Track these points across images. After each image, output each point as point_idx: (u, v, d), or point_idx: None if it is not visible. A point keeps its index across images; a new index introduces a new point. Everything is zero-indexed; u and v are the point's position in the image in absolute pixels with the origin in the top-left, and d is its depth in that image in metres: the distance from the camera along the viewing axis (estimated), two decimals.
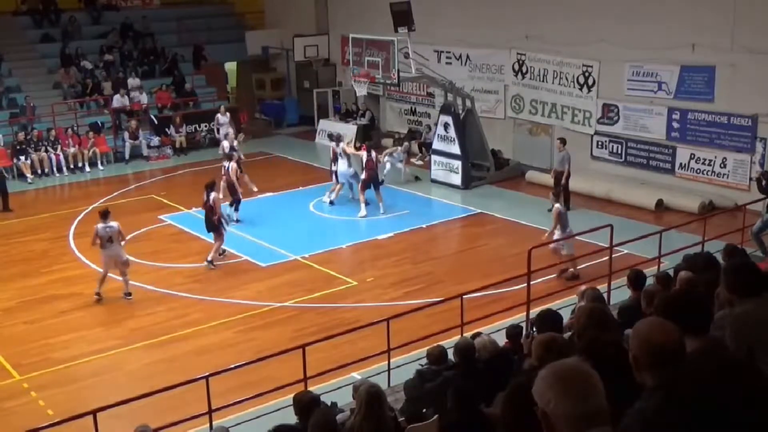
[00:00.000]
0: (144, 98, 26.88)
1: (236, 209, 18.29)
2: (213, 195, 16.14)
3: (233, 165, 18.51)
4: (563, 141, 19.04)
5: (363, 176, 18.88)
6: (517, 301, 12.27)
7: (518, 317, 11.65)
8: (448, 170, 21.55)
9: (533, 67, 22.50)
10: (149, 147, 25.67)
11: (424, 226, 18.48)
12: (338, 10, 28.68)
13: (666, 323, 3.33)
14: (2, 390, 11.67)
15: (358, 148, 20.52)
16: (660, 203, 18.85)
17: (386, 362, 10.65)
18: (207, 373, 9.34)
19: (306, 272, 15.88)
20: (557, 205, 14.76)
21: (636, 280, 8.78)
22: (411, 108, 26.93)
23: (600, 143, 21.07)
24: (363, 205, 18.89)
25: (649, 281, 8.93)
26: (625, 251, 14.10)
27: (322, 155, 25.76)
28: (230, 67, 32.19)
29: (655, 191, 19.16)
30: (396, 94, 26.77)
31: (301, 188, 21.38)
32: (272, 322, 13.72)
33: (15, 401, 11.38)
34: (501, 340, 8.90)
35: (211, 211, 16.05)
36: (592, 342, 4.02)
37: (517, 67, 22.98)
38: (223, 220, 16.21)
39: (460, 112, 21.67)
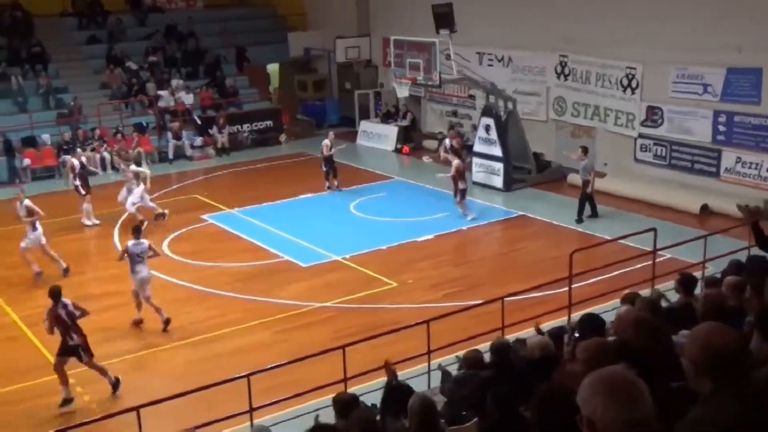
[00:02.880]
0: (189, 99, 27.18)
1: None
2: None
3: None
4: (585, 149, 18.75)
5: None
6: (558, 305, 12.17)
7: (559, 321, 11.56)
8: (489, 172, 21.47)
9: (576, 69, 22.33)
10: (192, 147, 25.96)
11: (464, 228, 18.43)
12: (380, 11, 28.73)
13: (725, 328, 3.27)
14: (49, 384, 11.87)
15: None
16: (704, 207, 18.59)
17: (426, 364, 10.63)
18: (247, 372, 9.41)
19: (346, 273, 15.93)
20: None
21: (687, 284, 8.65)
22: (452, 110, 26.88)
23: (644, 146, 20.82)
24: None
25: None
26: (669, 256, 13.93)
27: (364, 156, 25.87)
28: (272, 68, 32.41)
29: (699, 195, 18.89)
30: (437, 95, 26.74)
31: (342, 189, 21.44)
32: (312, 322, 13.78)
33: (61, 395, 11.56)
34: None
35: None
36: (640, 350, 3.96)
37: (559, 68, 22.81)
38: None
39: (502, 114, 21.57)
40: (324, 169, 21.21)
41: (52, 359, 12.58)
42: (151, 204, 19.23)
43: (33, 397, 11.57)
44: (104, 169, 24.35)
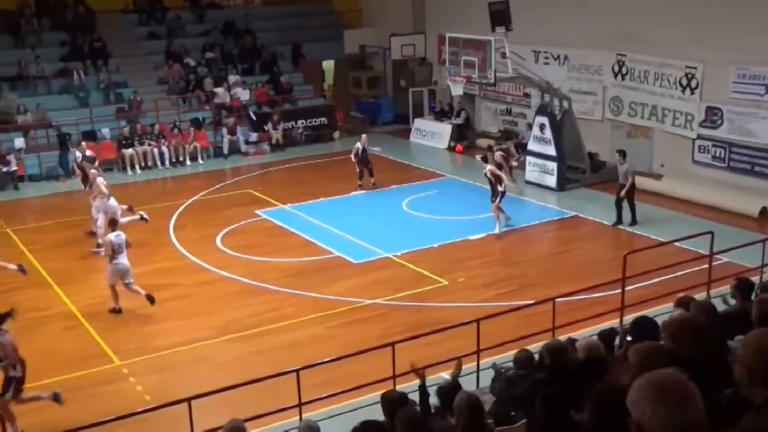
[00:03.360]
0: (245, 95, 27.47)
1: None
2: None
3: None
4: (623, 153, 18.34)
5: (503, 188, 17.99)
6: (610, 307, 12.03)
7: (611, 323, 11.41)
8: (542, 172, 21.30)
9: (633, 68, 22.01)
10: (247, 143, 26.23)
11: (517, 227, 18.31)
12: (435, 9, 28.67)
13: None
14: (103, 374, 12.14)
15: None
16: (764, 211, 18.19)
17: (475, 363, 10.60)
18: (297, 367, 9.49)
19: (397, 270, 15.95)
20: None
21: (743, 288, 8.47)
22: (507, 108, 26.72)
23: (702, 147, 20.43)
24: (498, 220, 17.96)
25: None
26: (726, 259, 13.67)
27: (417, 153, 25.88)
28: (327, 65, 32.58)
29: (759, 198, 18.49)
30: (492, 93, 26.60)
31: (395, 186, 21.46)
32: (362, 319, 13.84)
33: (114, 385, 11.81)
34: None
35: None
36: (691, 355, 3.89)
37: (617, 68, 22.52)
38: None
39: (557, 113, 21.38)
40: (357, 169, 21.16)
41: (108, 349, 12.87)
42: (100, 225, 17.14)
43: (90, 385, 11.82)
44: (162, 163, 24.73)
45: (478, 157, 18.83)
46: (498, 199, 17.79)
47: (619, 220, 18.16)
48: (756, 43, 18.53)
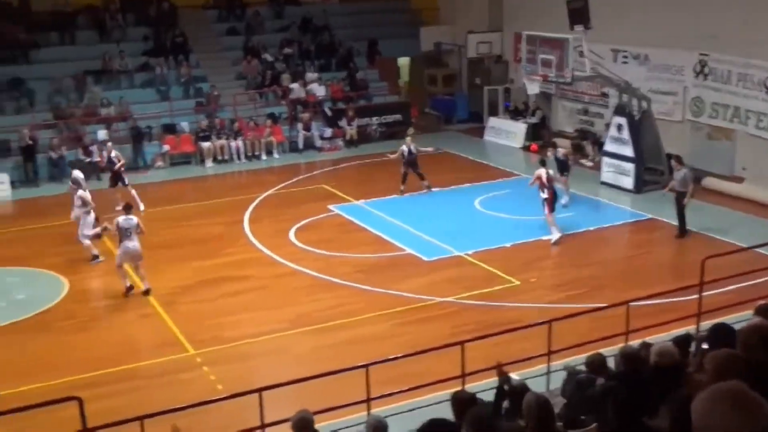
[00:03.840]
0: (321, 91, 27.71)
1: None
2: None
3: None
4: (679, 159, 17.58)
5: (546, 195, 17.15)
6: (686, 313, 11.77)
7: (686, 329, 11.17)
8: (619, 173, 20.94)
9: (716, 69, 21.45)
10: (322, 138, 26.47)
11: (591, 228, 18.06)
12: (513, 6, 28.44)
13: None
14: (178, 362, 12.41)
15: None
16: None
17: (546, 365, 10.50)
18: (367, 362, 9.54)
19: (469, 269, 15.90)
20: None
21: None
22: (583, 108, 26.34)
23: None
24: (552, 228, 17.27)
25: None
26: None
27: (491, 152, 25.74)
28: (403, 62, 32.62)
29: None
30: (569, 93, 26.27)
31: (468, 185, 21.37)
32: (432, 316, 13.83)
33: (189, 374, 12.07)
34: None
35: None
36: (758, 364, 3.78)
37: (698, 68, 21.98)
38: None
39: (636, 113, 20.99)
40: (402, 171, 20.51)
41: (182, 338, 13.16)
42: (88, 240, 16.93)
43: (164, 373, 12.10)
44: (239, 158, 25.15)
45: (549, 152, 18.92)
46: (548, 210, 17.06)
47: (683, 232, 17.41)
48: None
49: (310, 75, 28.16)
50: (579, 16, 20.30)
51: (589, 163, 23.08)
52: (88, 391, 10.13)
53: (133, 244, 14.82)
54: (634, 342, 9.62)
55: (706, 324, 9.56)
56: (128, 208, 15.15)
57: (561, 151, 19.38)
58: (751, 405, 2.58)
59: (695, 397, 2.69)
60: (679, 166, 17.45)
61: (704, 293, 11.61)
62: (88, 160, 23.36)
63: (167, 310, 14.30)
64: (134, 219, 14.93)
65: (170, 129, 25.51)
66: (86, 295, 15.45)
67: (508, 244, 16.97)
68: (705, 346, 6.22)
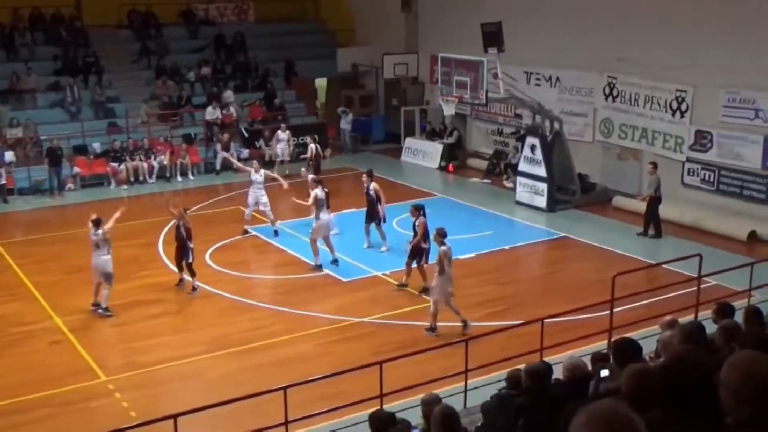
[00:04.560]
0: (237, 111, 27.51)
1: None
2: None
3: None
4: (655, 165, 18.79)
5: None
6: (599, 328, 12.04)
7: (600, 345, 11.43)
8: (533, 192, 21.37)
9: (624, 91, 22.14)
10: (239, 159, 26.21)
11: (507, 247, 18.36)
12: (428, 29, 28.83)
13: (763, 355, 3.20)
14: (88, 390, 12.06)
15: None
16: (753, 234, 18.29)
17: (463, 383, 10.59)
18: (285, 384, 9.46)
19: (387, 289, 15.94)
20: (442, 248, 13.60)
21: (723, 313, 8.49)
22: (498, 129, 26.82)
23: (691, 170, 20.54)
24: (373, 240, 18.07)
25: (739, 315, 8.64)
26: (714, 282, 13.72)
27: (408, 173, 25.93)
28: (320, 83, 32.68)
29: (747, 222, 18.60)
30: (483, 114, 26.71)
31: (385, 205, 21.44)
32: (351, 337, 13.81)
33: (100, 401, 11.74)
34: None
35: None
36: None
37: (607, 90, 22.65)
38: None
39: (548, 134, 21.48)
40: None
41: (94, 364, 12.80)
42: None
43: (75, 401, 11.74)
44: (150, 177, 24.74)
45: (364, 176, 18.29)
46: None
47: (646, 232, 18.74)
48: (745, 68, 18.70)
49: (226, 95, 27.94)
50: (493, 39, 20.71)
51: (509, 184, 23.43)
52: None
53: (97, 259, 14.59)
54: (550, 358, 9.79)
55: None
56: (97, 223, 14.77)
57: (373, 185, 18.04)
58: (625, 427, 2.61)
59: (572, 420, 2.70)
60: (654, 171, 18.58)
61: (615, 309, 11.92)
62: None
63: (78, 336, 13.90)
64: (99, 233, 14.62)
65: (81, 150, 24.93)
66: None
67: (425, 264, 17.07)
68: (605, 373, 6.35)
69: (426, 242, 15.37)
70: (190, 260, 15.80)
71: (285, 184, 19.71)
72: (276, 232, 19.22)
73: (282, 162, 25.33)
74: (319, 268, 16.61)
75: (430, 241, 15.20)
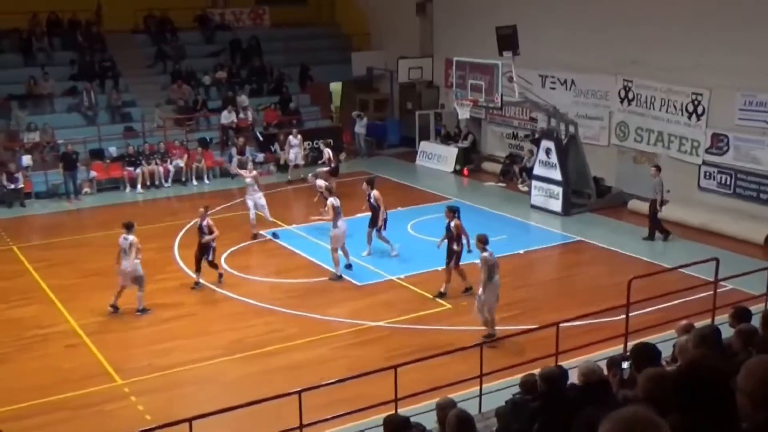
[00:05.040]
0: (252, 115, 27.61)
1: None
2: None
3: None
4: (658, 168, 18.89)
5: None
6: (615, 332, 11.99)
7: (616, 349, 11.39)
8: (548, 196, 21.31)
9: (640, 94, 22.05)
10: (254, 163, 26.27)
11: (521, 251, 18.30)
12: (443, 33, 28.81)
13: None
14: (104, 393, 12.11)
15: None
16: None
17: (478, 387, 10.56)
18: (300, 388, 9.47)
19: (401, 293, 15.93)
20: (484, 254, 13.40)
21: (740, 317, 8.43)
22: (513, 132, 26.76)
23: (708, 174, 20.42)
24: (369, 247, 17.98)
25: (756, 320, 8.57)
26: (731, 286, 13.65)
27: (423, 176, 25.92)
28: (335, 87, 32.73)
29: (764, 225, 18.47)
30: (498, 117, 26.66)
31: (400, 208, 21.45)
32: (366, 341, 13.81)
33: (115, 404, 11.79)
34: None
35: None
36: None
37: (623, 93, 22.56)
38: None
39: (563, 137, 21.42)
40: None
41: (109, 368, 12.85)
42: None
43: (91, 404, 11.79)
44: (166, 180, 24.85)
45: (364, 184, 18.04)
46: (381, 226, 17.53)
47: (652, 235, 18.77)
48: (762, 71, 18.58)
49: (242, 99, 28.03)
50: (508, 42, 20.67)
51: (524, 188, 23.38)
52: (13, 424, 9.84)
53: (126, 263, 14.76)
54: (565, 362, 9.76)
55: (634, 343, 9.73)
56: (128, 227, 15.03)
57: (374, 193, 17.84)
58: (652, 430, 2.60)
59: (599, 425, 2.69)
60: (657, 173, 18.68)
61: (631, 313, 11.86)
62: (12, 186, 22.81)
63: (94, 340, 13.96)
64: (129, 238, 14.82)
65: (98, 154, 25.08)
66: (9, 325, 14.98)
67: (439, 268, 17.04)
68: (625, 365, 6.37)
69: (459, 245, 15.25)
70: (210, 258, 16.11)
71: (248, 176, 19.72)
72: (275, 234, 19.28)
73: (296, 166, 25.42)
74: (339, 278, 16.53)
75: (463, 243, 15.20)
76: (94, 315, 14.98)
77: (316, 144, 26.85)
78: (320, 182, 19.71)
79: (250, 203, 19.45)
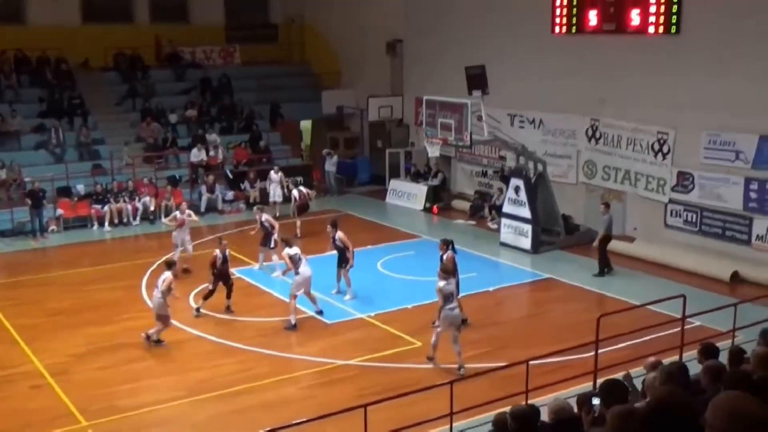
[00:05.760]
0: (222, 153, 27.57)
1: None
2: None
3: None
4: (607, 205, 19.29)
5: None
6: (584, 369, 12.01)
7: (586, 386, 11.39)
8: (517, 234, 21.43)
9: (607, 133, 22.35)
10: (224, 201, 26.24)
11: (491, 289, 18.35)
12: (413, 72, 29.08)
13: (748, 396, 3.21)
14: None
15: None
16: (735, 275, 18.38)
17: (448, 426, 10.50)
18: (269, 428, 9.35)
19: (371, 331, 15.87)
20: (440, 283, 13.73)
21: (708, 354, 8.49)
22: (482, 170, 26.96)
23: (674, 212, 20.69)
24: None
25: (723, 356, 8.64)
26: (698, 323, 13.75)
27: (393, 214, 25.98)
28: (305, 125, 32.84)
29: (730, 262, 18.70)
30: (467, 156, 26.86)
31: (370, 246, 21.46)
32: (336, 379, 13.71)
33: None
34: None
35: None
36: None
37: (590, 132, 22.86)
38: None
39: (532, 175, 21.61)
40: (212, 287, 17.51)
41: (74, 409, 12.62)
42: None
43: None
44: (134, 218, 24.66)
45: (329, 227, 18.02)
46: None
47: (602, 272, 19.08)
48: (725, 110, 18.96)
49: (212, 137, 28.01)
50: (477, 81, 20.91)
51: (494, 226, 23.50)
52: None
53: (155, 299, 15.07)
54: (535, 400, 9.75)
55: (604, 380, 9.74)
56: (168, 265, 15.52)
57: (339, 235, 17.67)
58: None
59: None
60: (606, 210, 19.03)
61: (600, 350, 11.89)
62: None
63: (59, 380, 13.71)
64: (165, 275, 15.11)
65: (65, 192, 24.86)
66: None
67: (409, 306, 17.06)
68: (596, 401, 6.38)
69: (454, 276, 15.11)
70: (210, 288, 16.79)
71: (173, 223, 19.83)
72: (187, 269, 19.27)
73: (275, 203, 25.38)
74: (293, 328, 15.94)
75: (458, 274, 15.35)
76: (58, 355, 14.73)
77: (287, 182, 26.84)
78: (265, 216, 19.71)
79: (177, 241, 19.48)
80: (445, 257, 15.61)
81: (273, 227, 19.32)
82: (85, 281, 19.13)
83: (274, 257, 19.17)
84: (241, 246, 21.55)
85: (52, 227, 23.75)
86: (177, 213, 20.07)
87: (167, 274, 15.05)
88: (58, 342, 15.28)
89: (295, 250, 16.51)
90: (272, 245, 19.22)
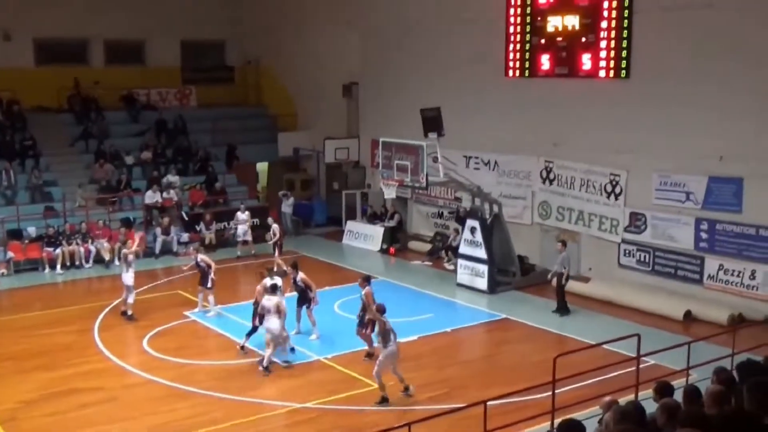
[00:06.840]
0: (177, 195, 27.38)
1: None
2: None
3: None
4: (564, 243, 19.49)
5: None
6: (541, 410, 12.03)
7: (543, 426, 11.42)
8: (473, 274, 21.53)
9: (561, 174, 22.69)
10: (179, 243, 26.00)
11: (448, 330, 18.37)
12: (369, 114, 29.31)
13: None
14: None
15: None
16: (688, 314, 18.65)
17: None
18: None
19: (328, 373, 15.75)
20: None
21: (663, 392, 8.58)
22: (438, 212, 27.11)
23: (627, 251, 21.00)
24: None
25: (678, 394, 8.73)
26: (652, 362, 13.89)
27: (349, 256, 25.95)
28: (261, 167, 32.80)
29: (683, 301, 18.97)
30: (424, 197, 27.02)
31: (327, 288, 21.36)
32: (294, 422, 13.57)
33: None
34: None
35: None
36: None
37: (544, 173, 23.19)
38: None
39: (487, 216, 21.79)
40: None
41: None
42: None
43: None
44: (87, 261, 24.30)
45: (289, 267, 18.30)
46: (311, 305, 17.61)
47: (561, 309, 19.30)
48: (676, 152, 19.40)
49: (167, 179, 27.83)
50: (432, 123, 21.12)
51: (450, 267, 23.59)
52: None
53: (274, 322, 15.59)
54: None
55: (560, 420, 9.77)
56: (273, 289, 16.06)
57: (300, 276, 17.87)
58: None
59: None
60: (563, 248, 19.16)
61: (557, 390, 11.93)
62: None
63: (7, 427, 13.35)
64: (274, 299, 15.78)
65: (16, 235, 24.44)
66: None
67: (367, 347, 16.97)
68: None
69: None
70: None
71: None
72: (126, 313, 19.03)
73: (245, 242, 25.53)
74: (266, 370, 15.63)
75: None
76: (7, 401, 14.36)
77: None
78: (201, 256, 19.58)
79: (129, 282, 19.16)
80: (363, 293, 15.94)
81: (209, 267, 19.27)
82: (36, 325, 18.74)
83: (211, 297, 19.18)
84: (196, 288, 21.36)
85: (2, 270, 23.31)
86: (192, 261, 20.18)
87: (277, 299, 15.87)
88: (7, 388, 14.90)
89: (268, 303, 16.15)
90: (209, 285, 19.16)
